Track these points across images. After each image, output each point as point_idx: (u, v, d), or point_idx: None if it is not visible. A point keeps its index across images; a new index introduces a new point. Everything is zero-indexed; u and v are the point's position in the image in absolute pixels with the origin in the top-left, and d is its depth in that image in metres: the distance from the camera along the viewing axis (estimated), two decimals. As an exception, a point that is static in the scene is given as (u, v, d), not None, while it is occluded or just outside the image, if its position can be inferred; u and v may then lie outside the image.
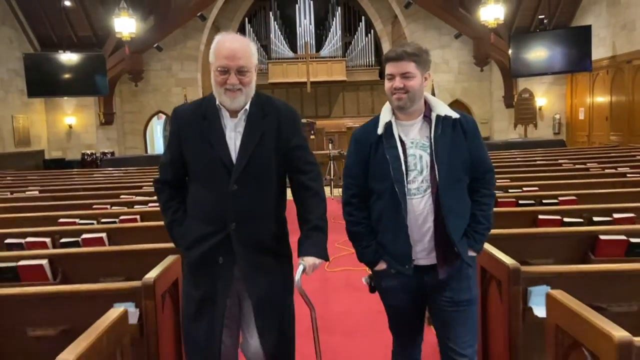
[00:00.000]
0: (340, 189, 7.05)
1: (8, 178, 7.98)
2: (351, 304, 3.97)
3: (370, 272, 2.15)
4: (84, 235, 3.25)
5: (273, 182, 2.02)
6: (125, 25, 9.59)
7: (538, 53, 11.64)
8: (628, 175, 4.98)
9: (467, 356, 2.01)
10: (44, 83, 11.11)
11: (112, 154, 12.37)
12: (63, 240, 3.25)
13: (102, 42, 12.21)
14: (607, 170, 5.53)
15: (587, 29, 11.19)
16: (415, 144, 2.01)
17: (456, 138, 2.01)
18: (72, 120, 12.63)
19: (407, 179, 1.97)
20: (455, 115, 2.02)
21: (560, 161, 6.88)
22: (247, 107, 1.97)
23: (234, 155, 1.96)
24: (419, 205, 1.97)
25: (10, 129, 11.05)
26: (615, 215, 3.21)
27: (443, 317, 2.04)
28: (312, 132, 12.18)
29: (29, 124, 11.79)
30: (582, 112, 12.32)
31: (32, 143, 11.88)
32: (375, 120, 2.08)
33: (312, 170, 2.06)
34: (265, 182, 1.99)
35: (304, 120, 12.89)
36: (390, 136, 2.00)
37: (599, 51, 11.18)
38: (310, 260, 1.96)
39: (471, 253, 2.03)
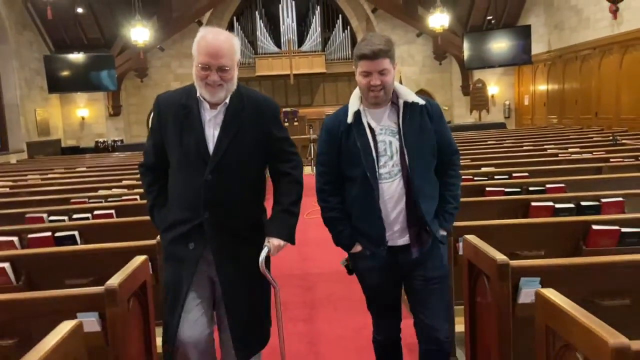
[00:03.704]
0: None
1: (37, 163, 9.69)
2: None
3: (347, 255, 2.22)
4: (57, 233, 3.13)
5: (250, 174, 2.04)
6: (140, 34, 11.35)
7: (488, 48, 13.63)
8: (560, 155, 6.34)
9: (441, 330, 2.10)
10: (61, 80, 12.87)
11: (122, 141, 14.13)
12: (31, 235, 3.11)
13: (109, 43, 13.88)
14: (527, 148, 7.47)
15: (528, 28, 13.18)
16: (384, 131, 2.07)
17: (423, 123, 2.07)
18: (84, 112, 14.34)
19: (378, 164, 2.03)
20: (421, 101, 2.08)
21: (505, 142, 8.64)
22: (227, 100, 1.99)
23: (210, 146, 1.97)
24: (390, 188, 2.04)
25: (33, 121, 12.75)
26: (604, 200, 3.23)
27: (417, 294, 2.12)
28: (295, 119, 14.05)
29: (48, 116, 13.48)
30: (527, 98, 14.36)
31: (51, 133, 13.59)
32: (345, 109, 2.12)
33: (293, 160, 2.12)
34: (241, 173, 2.00)
35: (288, 109, 14.77)
36: (360, 124, 2.06)
37: (538, 47, 13.18)
38: (275, 241, 2.01)
39: (442, 232, 2.11)
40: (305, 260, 5.01)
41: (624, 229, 2.64)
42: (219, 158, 1.96)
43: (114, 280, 1.93)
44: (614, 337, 1.33)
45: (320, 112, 16.67)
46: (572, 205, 3.25)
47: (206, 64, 1.91)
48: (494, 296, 2.06)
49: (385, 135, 2.06)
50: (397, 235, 2.07)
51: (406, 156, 2.03)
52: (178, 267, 1.99)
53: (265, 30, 17.95)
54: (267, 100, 2.12)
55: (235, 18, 17.98)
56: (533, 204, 3.30)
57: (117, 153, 12.03)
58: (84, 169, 7.76)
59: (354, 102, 2.09)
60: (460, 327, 2.61)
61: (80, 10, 12.77)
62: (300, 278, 4.48)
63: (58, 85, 12.94)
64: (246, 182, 2.03)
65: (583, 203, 3.27)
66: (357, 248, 2.12)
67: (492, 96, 15.00)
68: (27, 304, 1.92)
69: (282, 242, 2.03)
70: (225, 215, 1.97)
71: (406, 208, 2.04)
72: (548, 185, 3.95)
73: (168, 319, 2.01)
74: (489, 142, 8.44)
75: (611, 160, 5.26)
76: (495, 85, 14.96)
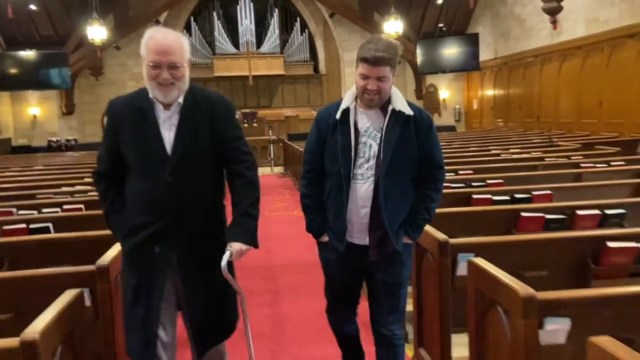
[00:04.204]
0: (279, 167, 9.99)
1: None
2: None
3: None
4: (32, 225, 3.23)
5: (209, 173, 2.04)
6: (97, 32, 11.24)
7: (439, 54, 14.27)
8: (501, 155, 6.87)
9: (392, 331, 2.17)
10: (12, 78, 12.55)
11: (75, 140, 13.89)
12: (6, 227, 3.21)
13: (63, 41, 13.61)
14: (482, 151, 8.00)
15: (476, 36, 13.91)
16: (368, 133, 2.08)
17: (406, 133, 2.06)
18: (36, 110, 14.00)
19: (354, 164, 2.06)
20: (409, 111, 2.07)
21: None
22: (181, 99, 1.98)
23: (168, 147, 1.96)
24: (361, 190, 2.07)
25: (-18, 119, 12.39)
26: (535, 193, 3.63)
27: (374, 295, 2.20)
28: (254, 120, 14.23)
29: (-2, 114, 13.12)
30: (476, 103, 15.12)
31: (1, 132, 13.20)
32: (338, 104, 2.14)
33: (247, 160, 2.10)
34: (200, 173, 2.01)
35: (247, 110, 14.92)
36: (346, 122, 2.08)
37: (486, 54, 13.93)
38: (237, 246, 2.00)
39: (406, 240, 2.13)
40: (269, 253, 5.27)
41: (548, 216, 3.05)
42: (178, 159, 1.95)
43: (105, 259, 2.10)
44: (524, 289, 1.61)
45: (279, 113, 16.87)
46: (507, 198, 3.67)
47: (156, 62, 1.90)
48: (436, 270, 2.31)
49: (367, 137, 2.08)
50: (357, 235, 2.10)
51: (383, 162, 2.04)
52: (146, 272, 1.96)
53: (223, 31, 17.98)
54: (221, 99, 2.10)
55: (192, 18, 17.93)
56: (474, 196, 3.70)
57: (70, 152, 11.89)
58: (42, 167, 7.71)
59: (347, 100, 2.11)
60: (409, 306, 2.80)
61: (33, 7, 12.50)
62: (265, 269, 4.73)
63: (8, 83, 12.62)
64: (206, 182, 2.03)
65: (517, 195, 3.70)
66: (325, 238, 2.17)
67: (444, 100, 15.69)
68: (20, 282, 2.08)
69: (244, 247, 2.01)
70: (188, 216, 1.97)
71: (371, 211, 2.06)
72: (489, 181, 4.37)
73: (137, 324, 1.97)
74: (441, 144, 8.95)
75: (546, 159, 5.80)
76: (447, 90, 15.66)
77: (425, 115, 2.14)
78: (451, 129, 13.49)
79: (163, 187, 1.94)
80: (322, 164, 2.15)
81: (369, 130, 2.08)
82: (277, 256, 5.15)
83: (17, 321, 1.92)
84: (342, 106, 2.10)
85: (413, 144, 2.07)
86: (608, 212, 3.05)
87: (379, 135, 2.07)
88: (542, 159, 5.85)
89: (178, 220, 1.95)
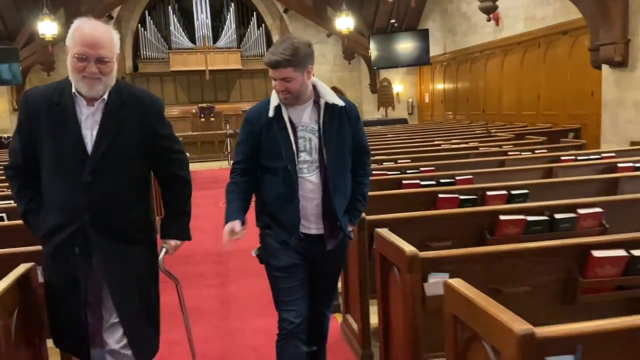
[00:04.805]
0: None
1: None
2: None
3: (259, 245, 2.27)
4: None
5: (134, 172, 1.97)
6: (48, 27, 11.12)
7: (392, 49, 14.74)
8: (442, 145, 7.43)
9: (330, 310, 2.42)
10: (-40, 73, 12.24)
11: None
12: None
13: (13, 36, 13.33)
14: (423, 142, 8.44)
15: (426, 32, 14.43)
16: (305, 128, 2.15)
17: (342, 124, 2.17)
18: (-15, 107, 13.68)
19: (297, 159, 2.11)
20: (341, 103, 2.17)
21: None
22: (105, 96, 1.89)
23: (89, 145, 1.87)
24: (307, 182, 2.13)
25: None
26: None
27: (317, 282, 2.26)
28: (212, 115, 14.35)
29: (-56, 111, 12.74)
30: (427, 96, 15.69)
31: (-51, 128, 12.86)
32: (267, 102, 2.16)
33: (179, 159, 2.06)
34: (124, 172, 1.93)
35: (204, 105, 15.01)
36: (280, 119, 2.12)
37: (436, 49, 14.47)
38: (172, 242, 2.05)
39: (350, 227, 2.24)
40: (220, 241, 5.51)
41: (462, 197, 3.43)
42: (99, 158, 1.87)
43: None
44: (519, 325, 1.31)
45: (236, 107, 17.02)
46: (433, 182, 4.07)
47: (83, 54, 1.80)
48: (404, 287, 2.08)
49: (305, 132, 2.14)
50: (312, 226, 2.16)
51: (325, 154, 2.12)
52: (67, 274, 1.91)
53: (178, 25, 17.91)
54: (150, 97, 2.04)
55: (147, 12, 17.80)
56: (404, 182, 4.08)
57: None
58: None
59: (276, 98, 2.14)
60: (374, 318, 2.71)
61: (-21, 0, 12.20)
62: (215, 255, 5.00)
63: (-44, 78, 12.30)
64: (129, 182, 1.96)
65: (442, 180, 4.10)
66: (233, 225, 2.08)
67: (397, 94, 16.20)
68: None
69: (179, 242, 2.09)
70: (108, 217, 1.90)
71: (322, 203, 2.14)
72: (422, 168, 4.78)
73: (62, 321, 1.96)
74: (389, 136, 9.38)
75: (480, 148, 6.27)
76: (400, 84, 16.17)
77: (353, 105, 2.27)
78: (403, 121, 14.00)
79: (82, 186, 1.86)
80: (254, 164, 2.18)
81: (305, 125, 2.15)
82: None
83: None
84: (273, 104, 2.13)
85: (348, 134, 2.19)
86: (514, 192, 3.47)
87: (316, 128, 2.14)
88: (477, 148, 6.32)
89: (98, 221, 1.88)
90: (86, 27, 1.83)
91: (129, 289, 1.97)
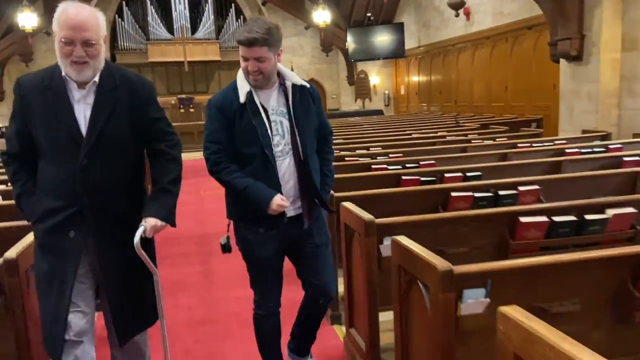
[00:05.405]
0: None
1: None
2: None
3: (227, 233, 2.30)
4: None
5: (127, 154, 1.97)
6: (27, 19, 11.18)
7: (369, 42, 15.12)
8: (413, 134, 7.87)
9: (331, 290, 2.33)
10: None
11: (6, 128, 13.65)
12: None
13: (-12, 25, 13.32)
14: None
15: (401, 25, 14.84)
16: (275, 111, 2.16)
17: (309, 105, 2.21)
18: (-38, 97, 13.65)
19: (272, 142, 2.12)
20: (306, 84, 2.22)
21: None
22: (97, 78, 1.89)
23: (83, 128, 1.88)
24: (283, 165, 2.16)
25: None
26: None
27: (308, 260, 2.28)
28: (191, 106, 14.54)
29: None
30: (403, 88, 16.13)
31: None
32: (234, 87, 2.15)
33: (172, 140, 2.07)
34: (118, 155, 1.94)
35: (183, 96, 15.16)
36: (253, 103, 2.11)
37: (411, 42, 14.89)
38: (152, 221, 1.95)
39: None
40: (203, 225, 5.85)
41: (422, 178, 3.84)
42: (94, 140, 1.87)
43: (12, 252, 2.01)
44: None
45: (215, 99, 17.17)
46: (399, 167, 4.45)
47: (69, 38, 1.80)
48: (363, 250, 2.37)
49: (276, 115, 2.15)
50: (290, 207, 2.18)
51: (297, 136, 2.15)
52: (59, 257, 1.89)
53: (156, 16, 17.91)
54: (141, 79, 2.03)
55: (124, 3, 17.76)
56: (373, 166, 4.46)
57: (1, 140, 11.80)
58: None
59: (243, 83, 2.12)
60: (340, 287, 2.93)
61: (-46, -11, 12.16)
62: (198, 237, 5.32)
63: None
64: (124, 165, 1.96)
65: (407, 165, 4.49)
66: (279, 196, 2.10)
67: (374, 86, 16.61)
68: None
69: (159, 222, 1.96)
70: (105, 200, 1.91)
71: (298, 183, 2.17)
72: (390, 155, 5.16)
73: (50, 312, 1.91)
74: (365, 126, 9.77)
75: (447, 137, 6.70)
76: (377, 76, 16.58)
77: (313, 86, 2.30)
78: (379, 112, 14.42)
79: (78, 170, 1.86)
80: (232, 150, 2.15)
81: (274, 108, 2.16)
82: (210, 227, 5.74)
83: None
84: (244, 90, 2.12)
85: (314, 113, 2.24)
86: (468, 174, 3.88)
87: (285, 111, 2.17)
88: (444, 137, 6.74)
89: (94, 204, 1.89)
90: (71, 11, 1.82)
91: (123, 272, 1.97)
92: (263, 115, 2.13)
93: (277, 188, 2.14)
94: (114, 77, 1.94)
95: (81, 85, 1.89)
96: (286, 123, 2.18)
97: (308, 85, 2.25)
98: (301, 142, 2.18)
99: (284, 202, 2.12)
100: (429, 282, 1.75)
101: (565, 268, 1.78)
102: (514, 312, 1.28)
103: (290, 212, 2.20)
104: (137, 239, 1.93)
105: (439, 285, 1.66)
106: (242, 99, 2.12)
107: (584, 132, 6.50)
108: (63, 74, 1.87)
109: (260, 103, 2.14)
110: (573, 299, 1.79)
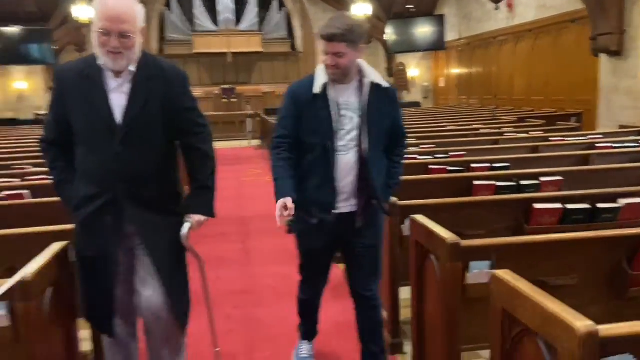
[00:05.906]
0: (256, 141, 11.09)
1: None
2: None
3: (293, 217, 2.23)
4: None
5: (160, 143, 2.01)
6: (82, 11, 11.88)
7: (409, 34, 15.15)
8: (448, 127, 8.09)
9: (373, 292, 2.32)
10: (-1, 53, 13.09)
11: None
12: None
13: (47, 17, 14.11)
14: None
15: (441, 17, 14.79)
16: (347, 106, 2.16)
17: (383, 104, 2.19)
18: (23, 85, 14.54)
19: (336, 136, 2.14)
20: (385, 84, 2.20)
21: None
22: (133, 68, 1.93)
23: (118, 116, 1.92)
24: (344, 160, 2.16)
25: (-30, 93, 12.93)
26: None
27: (355, 260, 2.30)
28: (233, 95, 15.00)
29: (-16, 88, 13.64)
30: (442, 81, 16.09)
31: (-12, 105, 13.77)
32: (311, 78, 2.19)
33: (202, 132, 2.08)
34: (151, 143, 1.98)
35: (226, 86, 15.65)
36: (325, 96, 2.14)
37: (451, 34, 14.83)
38: (196, 217, 2.05)
39: (384, 204, 2.28)
40: (242, 208, 6.22)
41: (449, 167, 4.02)
42: (128, 128, 1.92)
43: (28, 271, 1.75)
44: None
45: (257, 89, 17.52)
46: (429, 157, 4.65)
47: (106, 29, 1.83)
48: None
49: (347, 110, 2.16)
50: (343, 203, 2.20)
51: (365, 133, 2.14)
52: (99, 242, 1.95)
53: (202, 8, 18.47)
54: (175, 69, 2.07)
55: (172, -5, 18.39)
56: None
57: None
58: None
59: (321, 75, 2.16)
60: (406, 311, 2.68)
61: (16, -17, 12.96)
62: (238, 218, 5.69)
63: (-4, 58, 13.16)
64: (158, 152, 2.01)
65: (437, 155, 4.68)
66: (286, 201, 2.07)
67: (413, 78, 16.61)
68: (12, 238, 2.13)
69: (203, 218, 2.07)
70: (139, 186, 1.96)
71: (357, 180, 2.18)
72: (422, 146, 5.36)
73: (93, 293, 2.00)
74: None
75: (481, 130, 6.80)
76: (416, 69, 16.57)
77: (393, 87, 2.33)
78: (416, 105, 14.48)
79: (112, 157, 1.91)
80: (296, 137, 2.21)
81: (348, 103, 2.17)
82: (248, 210, 6.10)
83: (7, 275, 1.89)
84: (320, 81, 2.16)
85: (388, 114, 2.22)
86: (495, 165, 4.04)
87: (358, 107, 2.17)
88: (477, 129, 6.85)
89: (129, 191, 1.94)
90: (110, 2, 1.85)
91: (167, 254, 2.03)
92: (332, 108, 2.16)
93: (331, 182, 2.17)
94: (149, 67, 1.99)
95: (117, 74, 1.93)
96: (356, 119, 2.18)
97: (388, 86, 2.25)
98: (367, 140, 2.18)
99: (285, 208, 2.07)
100: (440, 254, 1.97)
101: (565, 246, 1.92)
102: (504, 274, 1.51)
103: (343, 209, 2.22)
104: (184, 231, 2.04)
105: (448, 255, 1.89)
106: (316, 89, 2.16)
107: (621, 127, 6.47)
108: (100, 62, 1.92)
109: (334, 96, 2.17)
110: (572, 275, 1.91)
